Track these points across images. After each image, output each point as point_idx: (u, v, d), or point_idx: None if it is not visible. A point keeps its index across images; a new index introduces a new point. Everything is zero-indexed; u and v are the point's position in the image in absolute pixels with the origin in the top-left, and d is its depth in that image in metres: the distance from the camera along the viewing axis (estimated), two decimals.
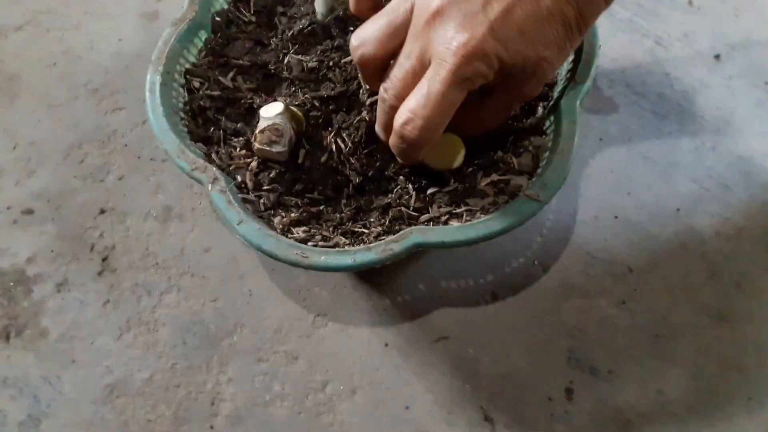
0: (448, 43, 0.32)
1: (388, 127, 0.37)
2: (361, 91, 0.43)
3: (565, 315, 0.45)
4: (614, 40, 0.56)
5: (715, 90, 0.54)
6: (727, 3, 0.58)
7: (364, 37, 0.36)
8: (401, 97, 0.35)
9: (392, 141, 0.36)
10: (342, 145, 0.42)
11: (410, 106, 0.34)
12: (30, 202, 0.49)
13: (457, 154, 0.40)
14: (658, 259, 0.46)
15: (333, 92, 0.43)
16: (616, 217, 0.48)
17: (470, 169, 0.41)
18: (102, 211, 0.48)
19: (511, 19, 0.32)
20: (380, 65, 0.37)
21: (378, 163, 0.41)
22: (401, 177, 0.41)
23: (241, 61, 0.45)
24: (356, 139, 0.41)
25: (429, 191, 0.40)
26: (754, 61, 0.55)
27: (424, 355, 0.43)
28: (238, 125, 0.43)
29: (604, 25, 0.56)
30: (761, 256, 0.46)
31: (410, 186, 0.40)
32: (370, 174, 0.41)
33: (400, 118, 0.34)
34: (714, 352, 0.43)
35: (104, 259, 0.47)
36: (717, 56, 0.55)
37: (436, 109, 0.33)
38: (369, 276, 0.46)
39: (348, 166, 0.41)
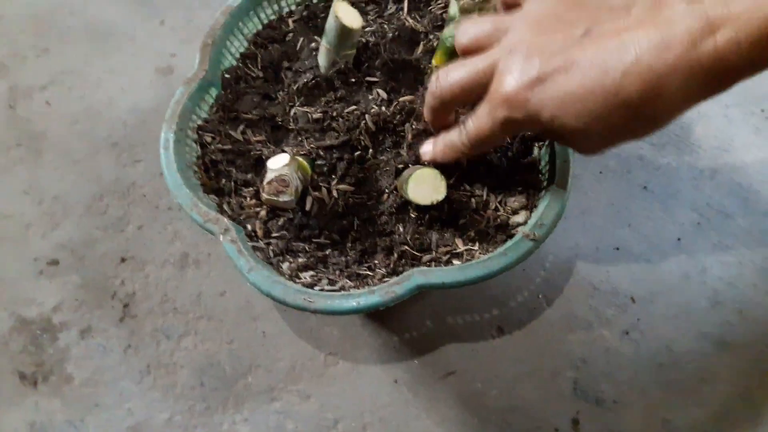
0: (498, 86, 0.33)
1: (429, 111, 0.40)
2: (361, 138, 0.45)
3: (570, 347, 0.46)
4: None
5: (712, 119, 0.55)
6: None
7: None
8: (451, 91, 0.36)
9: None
10: (344, 191, 0.44)
11: (468, 125, 0.37)
12: (55, 253, 0.51)
13: (440, 188, 0.41)
14: (660, 289, 0.47)
15: (337, 141, 0.45)
16: (617, 248, 0.49)
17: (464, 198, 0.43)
18: (123, 260, 0.51)
19: (562, 81, 0.31)
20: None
21: (371, 202, 0.43)
22: (395, 215, 0.43)
23: (250, 115, 0.47)
24: (356, 183, 0.44)
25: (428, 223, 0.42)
26: (751, 90, 0.56)
27: (433, 391, 0.45)
28: (249, 176, 0.45)
29: None
30: (762, 282, 0.47)
31: (406, 225, 0.42)
32: (366, 216, 0.43)
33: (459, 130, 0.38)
34: (718, 379, 0.44)
35: (125, 306, 0.49)
36: None
37: (475, 139, 0.36)
38: (377, 315, 0.47)
39: (349, 210, 0.43)
